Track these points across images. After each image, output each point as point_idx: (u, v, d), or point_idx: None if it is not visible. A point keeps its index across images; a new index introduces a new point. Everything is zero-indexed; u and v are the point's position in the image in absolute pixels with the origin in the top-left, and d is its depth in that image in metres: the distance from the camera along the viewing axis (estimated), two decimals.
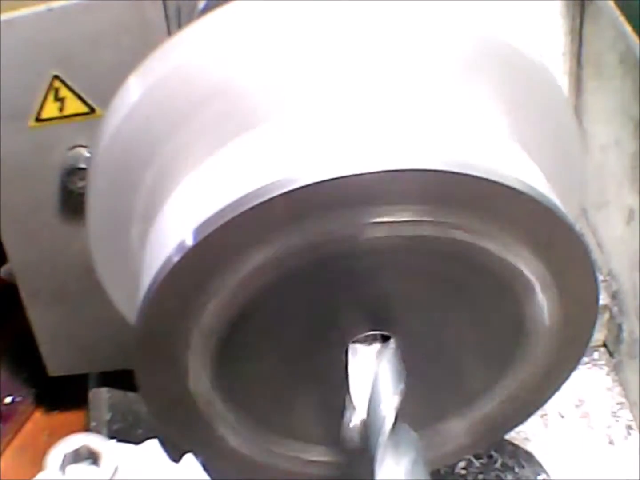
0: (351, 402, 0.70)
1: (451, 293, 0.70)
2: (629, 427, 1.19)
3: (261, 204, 0.60)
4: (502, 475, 1.08)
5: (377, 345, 0.71)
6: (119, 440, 0.70)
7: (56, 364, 1.19)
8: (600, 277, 1.27)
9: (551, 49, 1.38)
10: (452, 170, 0.60)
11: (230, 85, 0.66)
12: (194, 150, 0.68)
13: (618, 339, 1.25)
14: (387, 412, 0.67)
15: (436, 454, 0.81)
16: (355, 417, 0.70)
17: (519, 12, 1.32)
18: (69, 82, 0.94)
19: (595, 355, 1.29)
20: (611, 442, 1.17)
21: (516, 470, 1.09)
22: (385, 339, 0.71)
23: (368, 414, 0.68)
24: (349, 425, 0.70)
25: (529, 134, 0.71)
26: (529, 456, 1.11)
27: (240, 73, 0.66)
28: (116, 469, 0.66)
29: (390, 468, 0.66)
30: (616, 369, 1.26)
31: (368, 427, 0.68)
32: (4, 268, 1.17)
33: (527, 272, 0.67)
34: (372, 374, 0.69)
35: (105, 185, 0.72)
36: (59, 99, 0.95)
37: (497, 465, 1.09)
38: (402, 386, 0.68)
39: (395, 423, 0.67)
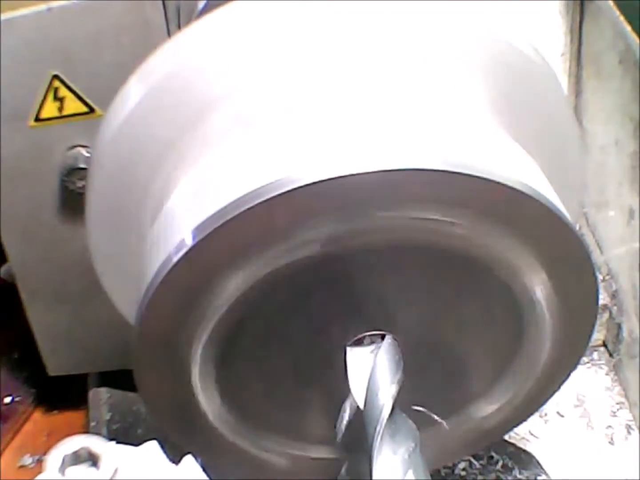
0: (350, 396, 0.70)
1: (450, 293, 0.70)
2: (629, 427, 1.19)
3: (261, 203, 0.60)
4: (502, 476, 1.08)
5: (375, 344, 0.71)
6: (119, 441, 0.69)
7: (56, 364, 1.20)
8: (600, 277, 1.27)
9: (551, 48, 1.38)
10: (452, 170, 0.60)
11: (230, 85, 0.66)
12: (193, 150, 0.68)
13: (617, 339, 1.25)
14: (385, 401, 0.67)
15: (436, 454, 0.81)
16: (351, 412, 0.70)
17: (519, 12, 1.32)
18: (68, 82, 0.95)
19: (595, 355, 1.29)
20: (611, 442, 1.17)
21: (516, 471, 1.09)
22: (383, 338, 0.71)
23: (366, 404, 0.68)
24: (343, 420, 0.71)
25: (529, 133, 0.71)
26: (529, 457, 1.11)
27: (240, 74, 0.66)
28: (116, 471, 0.66)
29: (388, 457, 0.66)
30: (616, 368, 1.26)
31: (366, 416, 0.68)
32: (4, 268, 1.17)
33: (526, 272, 0.68)
34: (370, 365, 0.69)
35: (105, 185, 0.72)
36: (58, 99, 0.95)
37: (498, 466, 1.09)
38: (399, 376, 0.68)
39: (392, 412, 0.67)
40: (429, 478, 0.68)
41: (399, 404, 0.68)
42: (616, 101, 1.22)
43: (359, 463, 0.77)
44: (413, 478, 0.66)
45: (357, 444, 0.72)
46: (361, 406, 0.69)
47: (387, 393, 0.67)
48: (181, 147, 0.68)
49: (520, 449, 1.12)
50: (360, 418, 0.69)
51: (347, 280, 0.66)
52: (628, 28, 1.16)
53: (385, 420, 0.66)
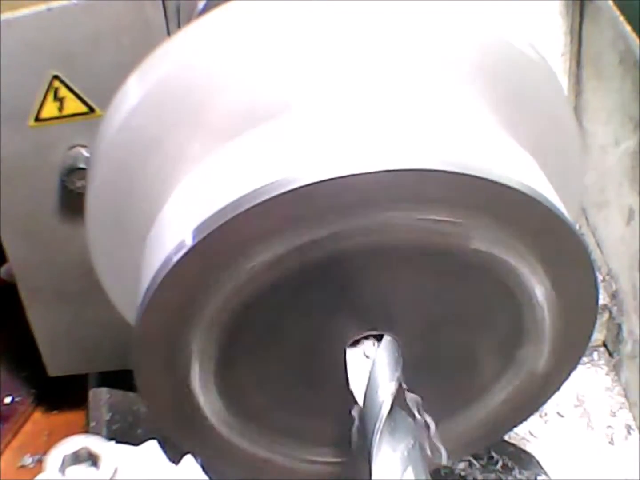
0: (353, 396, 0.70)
1: (450, 293, 0.70)
2: (629, 427, 1.19)
3: (261, 203, 0.60)
4: (502, 476, 1.08)
5: (375, 344, 0.71)
6: (119, 441, 0.69)
7: (56, 364, 1.20)
8: (600, 277, 1.27)
9: (551, 48, 1.38)
10: (452, 171, 0.60)
11: (229, 85, 0.66)
12: (193, 150, 0.68)
13: (618, 339, 1.25)
14: (384, 398, 0.67)
15: (444, 454, 0.81)
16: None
17: (519, 12, 1.32)
18: (68, 82, 0.95)
19: (595, 355, 1.29)
20: (611, 442, 1.17)
21: (516, 471, 1.09)
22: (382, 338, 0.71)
23: (365, 401, 0.68)
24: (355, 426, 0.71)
25: (529, 133, 0.71)
26: (529, 457, 1.11)
27: (240, 74, 0.66)
28: (115, 470, 0.66)
29: (387, 454, 0.66)
30: (616, 369, 1.26)
31: (365, 413, 0.68)
32: (4, 268, 1.18)
33: (526, 272, 0.67)
34: (370, 363, 0.69)
35: (104, 185, 0.72)
36: (58, 99, 0.96)
37: (498, 466, 1.09)
38: (399, 373, 0.68)
39: (392, 409, 0.67)
40: (428, 475, 0.68)
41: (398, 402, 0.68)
42: (616, 101, 1.22)
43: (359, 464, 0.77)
44: (412, 475, 0.66)
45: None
46: (360, 404, 0.69)
47: (386, 390, 0.68)
48: (181, 147, 0.68)
49: (520, 449, 1.12)
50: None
51: (346, 280, 0.66)
52: (628, 28, 1.17)
53: (384, 418, 0.67)
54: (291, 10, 0.67)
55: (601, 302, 1.25)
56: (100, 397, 1.20)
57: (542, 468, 1.10)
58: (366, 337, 0.71)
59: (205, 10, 0.94)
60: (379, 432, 0.66)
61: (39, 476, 0.67)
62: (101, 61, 0.93)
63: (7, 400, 1.34)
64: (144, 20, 0.91)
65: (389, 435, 0.67)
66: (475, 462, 1.09)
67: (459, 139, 0.67)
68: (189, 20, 0.95)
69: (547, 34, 1.37)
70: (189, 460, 0.71)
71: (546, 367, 0.75)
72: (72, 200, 1.00)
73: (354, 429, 0.71)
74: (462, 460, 1.08)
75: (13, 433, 1.31)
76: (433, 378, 0.75)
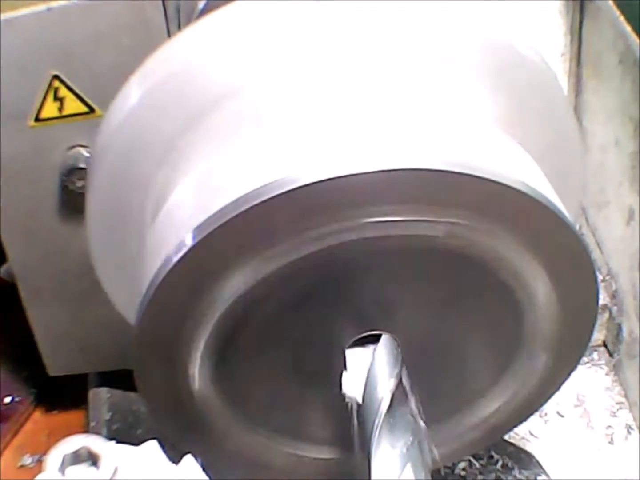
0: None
1: (450, 293, 0.70)
2: (629, 427, 1.19)
3: (261, 203, 0.60)
4: (502, 476, 1.08)
5: (374, 343, 0.71)
6: (119, 441, 0.69)
7: (56, 364, 1.20)
8: (600, 277, 1.27)
9: (551, 48, 1.38)
10: (452, 170, 0.60)
11: (229, 86, 0.66)
12: (193, 151, 0.68)
13: (617, 339, 1.25)
14: (384, 395, 0.67)
15: (436, 454, 0.81)
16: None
17: (519, 12, 1.32)
18: (68, 82, 0.95)
19: (595, 355, 1.29)
20: (611, 442, 1.17)
21: (516, 471, 1.09)
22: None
23: (364, 398, 0.68)
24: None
25: (529, 133, 0.71)
26: (529, 457, 1.11)
27: (240, 74, 0.66)
28: (115, 470, 0.66)
29: (386, 451, 0.66)
30: (616, 368, 1.26)
31: (364, 410, 0.68)
32: (4, 268, 1.17)
33: (526, 272, 0.67)
34: (369, 360, 0.69)
35: (105, 185, 0.72)
36: (58, 99, 0.96)
37: (498, 466, 1.09)
38: (398, 370, 0.68)
39: (391, 406, 0.67)
40: (428, 473, 0.68)
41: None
42: (616, 101, 1.22)
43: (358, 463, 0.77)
44: (411, 472, 0.66)
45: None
46: (360, 401, 0.69)
47: (385, 387, 0.68)
48: (181, 147, 0.68)
49: (520, 449, 1.12)
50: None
51: (346, 280, 0.66)
52: (628, 28, 1.17)
53: (383, 414, 0.67)
54: (292, 11, 0.67)
55: (601, 302, 1.25)
56: (100, 397, 1.20)
57: (542, 468, 1.10)
58: (366, 337, 0.71)
59: (205, 10, 0.94)
60: (378, 429, 0.66)
61: (39, 476, 0.66)
62: (101, 61, 0.93)
63: (7, 400, 1.34)
64: (144, 21, 0.92)
65: (388, 432, 0.67)
66: (475, 462, 1.09)
67: (458, 139, 0.67)
68: (189, 20, 0.95)
69: (547, 34, 1.37)
70: (189, 460, 0.70)
71: (546, 368, 0.75)
72: (72, 200, 1.01)
73: (354, 427, 0.72)
74: (462, 460, 1.08)
75: (13, 433, 1.31)
76: (433, 378, 0.75)
